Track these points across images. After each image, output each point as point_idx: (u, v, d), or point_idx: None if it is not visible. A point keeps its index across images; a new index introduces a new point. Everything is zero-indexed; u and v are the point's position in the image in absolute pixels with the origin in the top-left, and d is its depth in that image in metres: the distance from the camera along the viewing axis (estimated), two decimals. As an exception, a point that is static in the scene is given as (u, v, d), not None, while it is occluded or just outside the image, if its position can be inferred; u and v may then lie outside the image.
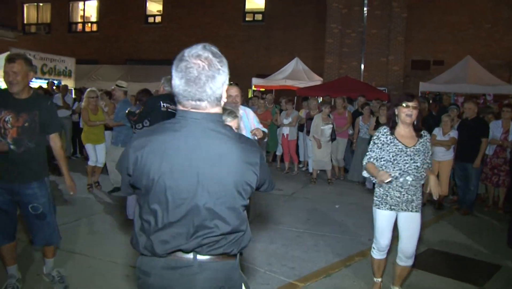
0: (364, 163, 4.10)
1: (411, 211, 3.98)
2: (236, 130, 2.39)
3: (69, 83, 15.67)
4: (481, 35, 15.96)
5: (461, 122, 8.08)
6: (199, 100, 1.85)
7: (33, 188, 3.83)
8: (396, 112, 3.98)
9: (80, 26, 24.63)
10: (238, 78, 18.61)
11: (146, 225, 1.88)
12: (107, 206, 7.38)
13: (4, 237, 3.89)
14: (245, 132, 4.80)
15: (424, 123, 8.28)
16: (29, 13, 25.46)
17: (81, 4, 24.43)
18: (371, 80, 15.95)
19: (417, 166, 3.91)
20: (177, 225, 1.84)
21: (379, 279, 4.37)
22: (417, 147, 3.92)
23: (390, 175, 3.83)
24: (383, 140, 3.99)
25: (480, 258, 5.62)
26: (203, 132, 1.86)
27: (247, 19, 20.59)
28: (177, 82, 1.86)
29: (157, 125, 1.97)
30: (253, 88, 16.10)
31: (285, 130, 10.66)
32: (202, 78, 1.84)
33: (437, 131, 7.83)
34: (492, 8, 15.90)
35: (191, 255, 1.88)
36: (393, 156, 3.93)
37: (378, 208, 4.06)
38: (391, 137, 3.98)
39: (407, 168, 3.90)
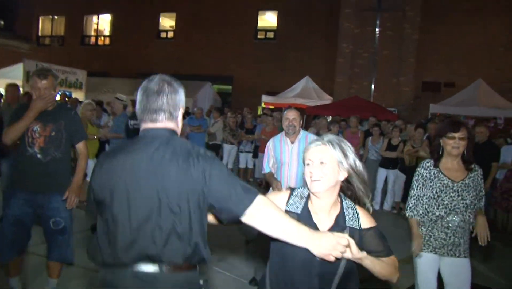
0: (407, 214, 3.63)
1: (458, 256, 3.46)
2: None
3: (80, 95, 15.76)
4: (493, 58, 15.89)
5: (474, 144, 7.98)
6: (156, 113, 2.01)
7: (57, 201, 3.82)
8: (442, 144, 3.48)
9: (93, 39, 24.93)
10: (248, 95, 18.76)
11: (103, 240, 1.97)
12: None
13: (14, 251, 3.84)
14: (296, 165, 4.67)
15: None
16: (44, 26, 25.88)
17: (95, 18, 24.77)
18: (381, 100, 15.89)
19: (466, 203, 3.39)
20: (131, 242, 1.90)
21: None
22: (466, 182, 3.41)
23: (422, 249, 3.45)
24: (426, 176, 3.51)
25: (491, 286, 5.49)
26: (156, 149, 1.94)
27: (259, 37, 20.70)
28: (139, 99, 2.04)
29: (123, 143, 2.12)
30: (263, 105, 16.10)
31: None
32: (161, 92, 2.01)
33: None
34: (505, 32, 15.88)
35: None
36: (436, 192, 3.44)
37: (421, 251, 3.53)
38: (435, 171, 3.48)
39: (454, 205, 3.40)
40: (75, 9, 23.94)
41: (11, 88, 7.53)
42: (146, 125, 2.02)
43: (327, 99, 15.73)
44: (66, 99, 13.64)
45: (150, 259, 1.89)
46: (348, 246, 1.88)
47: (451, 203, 3.40)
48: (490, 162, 7.30)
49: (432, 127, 8.98)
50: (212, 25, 20.76)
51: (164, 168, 1.89)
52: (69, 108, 4.28)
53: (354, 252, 1.90)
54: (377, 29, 16.34)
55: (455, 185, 3.40)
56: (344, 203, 2.16)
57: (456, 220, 3.41)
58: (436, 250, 3.48)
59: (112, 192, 1.93)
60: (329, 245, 1.87)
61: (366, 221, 2.13)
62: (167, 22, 23.30)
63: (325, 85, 16.87)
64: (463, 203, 3.39)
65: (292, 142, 4.76)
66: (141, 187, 1.90)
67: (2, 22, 21.32)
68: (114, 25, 23.92)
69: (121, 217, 1.91)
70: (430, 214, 3.48)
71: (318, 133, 10.20)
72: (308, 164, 2.13)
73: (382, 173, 9.33)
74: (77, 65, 17.21)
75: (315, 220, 2.11)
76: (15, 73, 14.65)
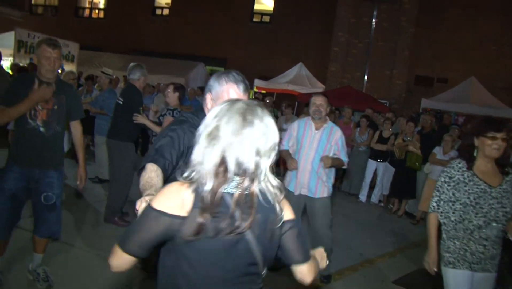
0: (430, 210, 3.23)
1: (491, 271, 3.11)
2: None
3: (71, 68, 15.56)
4: (487, 57, 15.94)
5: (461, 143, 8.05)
6: None
7: (52, 177, 3.81)
8: (476, 144, 3.08)
9: (87, 12, 24.55)
10: (241, 78, 18.64)
11: None
12: (97, 196, 7.27)
13: (7, 229, 3.77)
14: (314, 152, 4.69)
15: (427, 140, 8.28)
16: (37, -6, 25.41)
17: (90, -11, 24.38)
18: (373, 92, 15.91)
19: (506, 211, 2.99)
20: None
21: None
22: (504, 187, 3.02)
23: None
24: (459, 179, 3.08)
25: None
26: None
27: (254, 19, 20.55)
28: None
29: None
30: (255, 89, 16.04)
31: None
32: None
33: (437, 150, 7.80)
34: (499, 32, 15.91)
35: None
36: (474, 199, 3.01)
37: (454, 268, 3.09)
38: (469, 174, 3.06)
39: (494, 214, 2.99)
40: (69, -21, 23.52)
41: None
42: None
43: (319, 87, 15.70)
44: (59, 71, 13.42)
45: None
46: None
47: (490, 211, 2.98)
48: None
49: (427, 119, 9.06)
50: (208, 5, 20.54)
51: None
52: (69, 84, 4.24)
53: None
54: (373, 20, 16.29)
55: (493, 190, 3.00)
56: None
57: (495, 230, 3.02)
58: (472, 265, 3.05)
59: None
60: None
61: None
62: (163, -1, 23.06)
63: (318, 73, 16.83)
64: (502, 211, 2.99)
65: (317, 129, 4.76)
66: None
67: (-6, -11, 20.88)
68: (109, -2, 23.60)
69: None
70: (466, 221, 3.05)
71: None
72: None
73: (371, 165, 9.36)
74: (69, 37, 16.93)
75: None
76: (5, 41, 14.38)
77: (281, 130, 10.57)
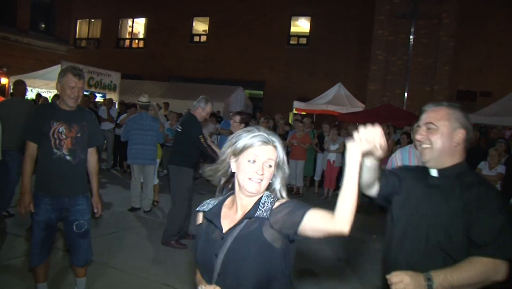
0: None
1: None
2: (265, 165, 1.91)
3: (114, 96, 16.02)
4: (531, 67, 15.54)
5: (508, 157, 7.81)
6: None
7: (81, 204, 3.82)
8: None
9: (127, 42, 25.39)
10: (279, 100, 18.78)
11: None
12: (143, 221, 7.41)
13: (44, 254, 3.81)
14: None
15: (472, 156, 8.06)
16: (81, 28, 26.52)
17: (129, 21, 25.21)
18: (414, 109, 15.65)
19: None
20: None
21: None
22: None
23: None
24: None
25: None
26: None
27: (291, 42, 20.71)
28: None
29: None
30: (294, 111, 16.08)
31: (331, 157, 10.52)
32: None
33: (483, 165, 7.59)
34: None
35: None
36: None
37: None
38: None
39: None
40: (110, 13, 24.43)
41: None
42: (464, 157, 2.19)
43: (359, 106, 15.61)
44: (95, 100, 13.92)
45: None
46: None
47: None
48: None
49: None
50: (245, 29, 20.88)
51: None
52: (89, 111, 4.24)
53: None
54: (411, 36, 16.12)
55: None
56: (263, 198, 1.92)
57: None
58: None
59: None
60: None
61: (278, 204, 1.89)
62: (200, 26, 23.54)
63: (357, 92, 16.75)
64: None
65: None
66: None
67: (43, 25, 21.88)
68: (148, 28, 24.31)
69: None
70: None
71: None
72: (253, 162, 1.88)
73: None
74: (111, 67, 17.50)
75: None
76: (52, 75, 14.96)
77: (329, 151, 10.59)
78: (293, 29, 20.91)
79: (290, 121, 14.93)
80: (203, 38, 23.02)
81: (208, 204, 2.03)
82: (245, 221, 1.87)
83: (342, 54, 18.82)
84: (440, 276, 1.90)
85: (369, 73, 16.86)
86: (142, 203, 7.82)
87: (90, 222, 3.96)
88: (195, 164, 6.25)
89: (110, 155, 12.02)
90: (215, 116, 12.84)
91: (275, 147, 1.93)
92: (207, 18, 22.73)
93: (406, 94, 16.07)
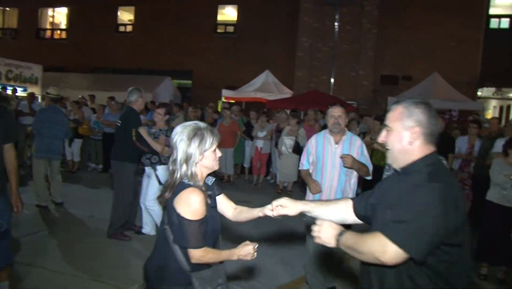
0: None
1: None
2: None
3: (36, 90, 15.31)
4: (448, 53, 16.35)
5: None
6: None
7: (0, 203, 3.61)
8: None
9: (48, 33, 24.23)
10: (208, 89, 18.68)
11: None
12: (67, 217, 7.14)
13: None
14: (338, 170, 4.35)
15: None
16: (-5, 17, 24.94)
17: (50, 10, 24.07)
18: (340, 94, 16.09)
19: None
20: None
21: None
22: None
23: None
24: None
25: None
26: None
27: (218, 31, 20.60)
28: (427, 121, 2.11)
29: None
30: (223, 100, 16.05)
31: (259, 144, 10.59)
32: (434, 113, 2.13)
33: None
34: (458, 28, 16.34)
35: None
36: None
37: None
38: None
39: None
40: (28, 1, 23.15)
41: None
42: (431, 149, 2.14)
43: (287, 93, 15.80)
44: (15, 94, 13.26)
45: None
46: None
47: None
48: (445, 153, 7.50)
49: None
50: (172, 19, 20.53)
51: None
52: (3, 106, 4.02)
53: None
54: (336, 24, 16.50)
55: None
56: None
57: None
58: None
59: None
60: None
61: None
62: (125, 16, 22.90)
63: (285, 79, 16.96)
64: None
65: (337, 142, 4.40)
66: None
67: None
68: (71, 18, 23.33)
69: None
70: None
71: (279, 127, 10.27)
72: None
73: (341, 166, 9.41)
74: (32, 60, 16.71)
75: None
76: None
77: (257, 138, 10.66)
78: (220, 17, 20.79)
79: (219, 109, 14.89)
80: (129, 28, 22.42)
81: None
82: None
83: (269, 42, 18.95)
84: (347, 235, 2.04)
85: (296, 60, 17.12)
86: (53, 195, 7.56)
87: (11, 222, 3.74)
88: (138, 157, 6.15)
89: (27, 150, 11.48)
90: (146, 108, 12.59)
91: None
92: (133, 8, 22.13)
93: (332, 80, 16.46)
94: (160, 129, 6.07)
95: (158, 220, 6.05)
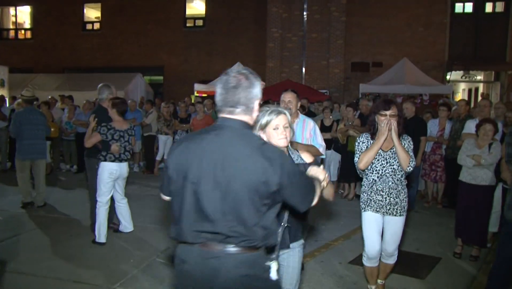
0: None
1: (395, 214, 4.02)
2: (284, 127, 2.87)
3: (3, 93, 14.93)
4: (416, 38, 16.60)
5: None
6: (232, 106, 2.19)
7: None
8: (376, 120, 4.00)
9: (12, 33, 23.54)
10: (180, 84, 18.57)
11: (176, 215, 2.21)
12: (44, 219, 7.04)
13: None
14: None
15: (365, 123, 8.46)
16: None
17: (12, 9, 23.35)
18: (312, 83, 16.19)
19: (394, 168, 3.97)
20: (200, 215, 2.13)
21: (373, 287, 4.35)
22: (394, 150, 3.94)
23: None
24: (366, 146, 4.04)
25: (422, 252, 5.79)
26: (231, 137, 2.17)
27: (188, 24, 20.41)
28: (218, 92, 2.23)
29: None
30: (196, 94, 15.96)
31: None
32: (230, 85, 2.19)
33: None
34: (425, 13, 16.59)
35: (220, 246, 2.12)
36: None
37: (364, 211, 4.11)
38: (371, 142, 4.03)
39: (385, 171, 3.99)
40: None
41: None
42: (223, 115, 2.23)
43: (259, 84, 15.77)
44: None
45: (217, 239, 2.12)
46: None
47: (382, 169, 4.00)
48: (418, 136, 7.63)
49: (363, 104, 9.22)
50: (140, 14, 20.22)
51: (233, 156, 2.10)
52: None
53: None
54: (305, 13, 16.56)
55: (385, 153, 4.00)
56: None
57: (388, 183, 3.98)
58: (377, 209, 4.03)
59: (186, 173, 2.16)
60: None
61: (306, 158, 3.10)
62: (92, 13, 22.43)
63: (257, 70, 16.36)
64: (391, 168, 3.97)
65: None
66: (221, 170, 2.10)
67: None
68: (35, 17, 22.69)
69: (199, 194, 2.12)
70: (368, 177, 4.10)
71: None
72: (277, 128, 2.85)
73: (316, 154, 9.45)
74: (-4, 61, 16.31)
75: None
76: None
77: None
78: (188, 11, 20.56)
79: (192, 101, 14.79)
80: (96, 26, 21.96)
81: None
82: None
83: (239, 33, 18.89)
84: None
85: (266, 51, 17.13)
86: (36, 199, 7.56)
87: None
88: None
89: (4, 155, 11.25)
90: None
91: (285, 114, 2.90)
92: (99, 4, 21.69)
93: (303, 69, 16.52)
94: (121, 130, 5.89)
95: (129, 215, 6.24)
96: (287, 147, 2.97)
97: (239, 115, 2.22)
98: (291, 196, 2.19)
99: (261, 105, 2.44)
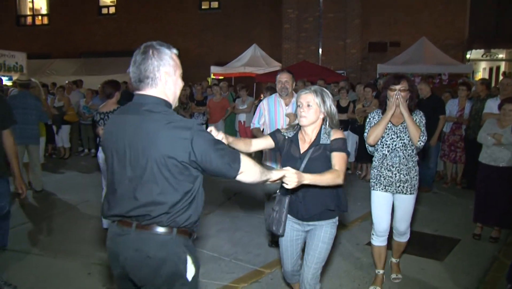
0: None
1: (405, 193, 3.96)
2: (307, 106, 2.99)
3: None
4: (435, 16, 16.24)
5: (417, 102, 8.15)
6: (140, 81, 2.14)
7: (2, 186, 3.76)
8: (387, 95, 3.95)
9: (29, 19, 23.72)
10: (197, 67, 18.46)
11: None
12: (63, 203, 7.14)
13: None
14: (282, 119, 4.86)
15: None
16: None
17: (29, -4, 23.50)
18: (329, 64, 15.99)
19: (404, 143, 3.90)
20: (116, 194, 2.13)
21: (381, 271, 4.23)
22: (405, 125, 3.87)
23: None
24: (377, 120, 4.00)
25: (441, 233, 5.72)
26: (137, 114, 2.10)
27: (203, 7, 20.29)
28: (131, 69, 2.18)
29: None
30: (212, 76, 15.92)
31: (242, 117, 10.58)
32: (137, 60, 2.15)
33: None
34: (444, -11, 16.21)
35: (131, 224, 2.10)
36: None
37: (374, 190, 4.10)
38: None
39: (395, 145, 3.93)
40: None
41: None
42: (136, 92, 2.18)
43: (276, 66, 15.68)
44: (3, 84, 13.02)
45: (127, 216, 2.11)
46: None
47: (392, 143, 3.96)
48: (436, 116, 7.50)
49: (381, 83, 9.08)
50: (155, -2, 20.18)
51: (145, 133, 2.03)
52: None
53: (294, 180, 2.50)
54: (321, -7, 16.33)
55: (395, 128, 3.97)
56: (322, 130, 3.07)
57: (399, 158, 3.94)
58: (387, 187, 4.02)
59: (111, 149, 2.17)
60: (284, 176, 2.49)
61: (335, 135, 3.03)
62: (107, -3, 22.49)
63: (273, 52, 16.81)
64: (402, 143, 3.92)
65: (287, 104, 4.89)
66: (131, 147, 2.08)
67: None
68: (51, 3, 22.84)
69: (116, 173, 2.15)
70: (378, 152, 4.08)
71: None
72: (299, 106, 3.02)
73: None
74: (14, 47, 16.42)
75: (300, 143, 3.12)
76: None
77: (236, 112, 10.66)
78: (203, -7, 20.46)
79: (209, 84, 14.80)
80: (112, 10, 22.01)
81: (288, 133, 3.19)
82: (313, 147, 3.03)
83: (255, 15, 18.71)
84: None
85: (283, 32, 16.96)
86: (34, 183, 7.58)
87: (11, 204, 3.93)
88: None
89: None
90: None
91: (311, 93, 3.01)
92: (114, -11, 21.73)
93: (320, 50, 16.33)
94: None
95: None
96: (321, 126, 3.07)
97: (147, 89, 2.13)
98: (208, 165, 2.05)
99: (270, 88, 2.43)
